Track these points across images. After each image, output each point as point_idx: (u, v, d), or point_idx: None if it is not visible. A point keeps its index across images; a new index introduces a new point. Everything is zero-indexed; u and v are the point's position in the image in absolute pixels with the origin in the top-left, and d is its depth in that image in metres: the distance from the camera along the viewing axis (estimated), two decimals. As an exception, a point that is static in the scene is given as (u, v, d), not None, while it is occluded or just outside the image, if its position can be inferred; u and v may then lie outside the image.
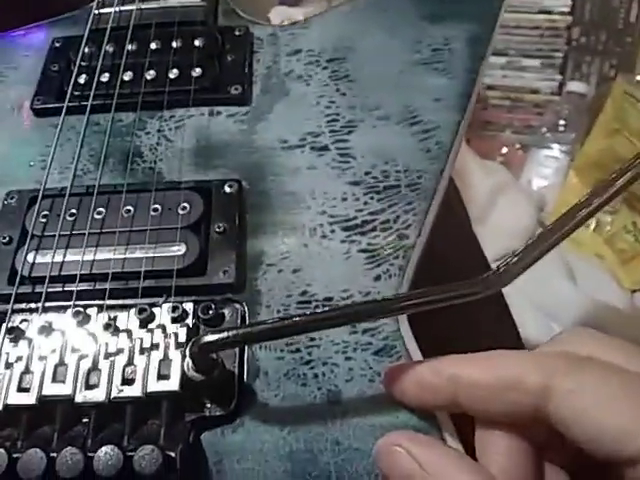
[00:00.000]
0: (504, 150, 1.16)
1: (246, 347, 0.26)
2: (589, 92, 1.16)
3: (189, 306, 0.27)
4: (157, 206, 0.30)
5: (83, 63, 0.35)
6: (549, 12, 1.16)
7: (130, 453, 0.23)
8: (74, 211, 0.30)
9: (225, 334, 0.23)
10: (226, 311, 0.27)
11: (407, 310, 0.24)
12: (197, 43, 0.35)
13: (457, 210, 0.44)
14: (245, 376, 0.26)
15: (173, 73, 0.34)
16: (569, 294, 0.77)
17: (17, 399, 0.24)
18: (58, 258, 0.28)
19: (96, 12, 0.37)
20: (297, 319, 0.23)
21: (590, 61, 1.18)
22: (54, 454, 0.23)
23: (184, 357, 0.25)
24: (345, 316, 0.24)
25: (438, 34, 0.36)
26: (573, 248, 0.84)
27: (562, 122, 1.17)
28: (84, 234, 0.29)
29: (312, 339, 0.27)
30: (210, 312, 0.27)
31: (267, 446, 0.25)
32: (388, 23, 0.37)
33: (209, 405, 0.25)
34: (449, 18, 0.36)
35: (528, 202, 0.95)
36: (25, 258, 0.28)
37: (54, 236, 0.29)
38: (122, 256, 0.28)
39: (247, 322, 0.27)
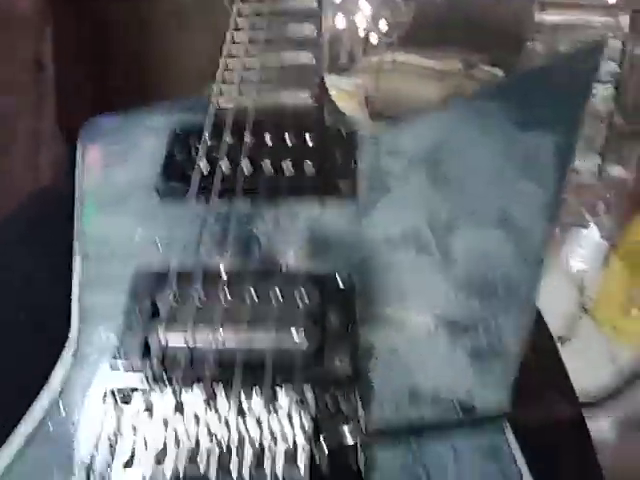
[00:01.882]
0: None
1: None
2: (629, 177, 1.19)
3: (310, 395, 0.29)
4: (277, 296, 0.32)
5: (205, 151, 0.38)
6: (591, 97, 1.20)
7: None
8: (201, 295, 0.32)
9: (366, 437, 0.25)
10: (341, 400, 0.29)
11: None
12: (308, 139, 0.38)
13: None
14: (362, 471, 0.28)
15: (287, 166, 0.37)
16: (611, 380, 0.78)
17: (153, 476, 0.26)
18: (188, 340, 0.30)
19: (214, 102, 0.40)
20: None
21: (631, 146, 1.21)
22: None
23: (313, 449, 0.27)
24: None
25: (527, 141, 0.39)
26: (617, 336, 0.85)
27: (602, 206, 1.19)
28: (212, 319, 0.31)
29: (425, 439, 0.29)
30: (329, 403, 0.29)
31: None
32: (482, 126, 0.40)
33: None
34: (536, 125, 0.39)
35: (569, 285, 0.97)
36: (158, 339, 0.31)
37: (184, 318, 0.31)
38: (247, 342, 0.30)
39: (361, 414, 0.29)
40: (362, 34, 1.53)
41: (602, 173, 1.23)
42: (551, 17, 1.33)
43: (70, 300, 0.34)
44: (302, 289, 0.32)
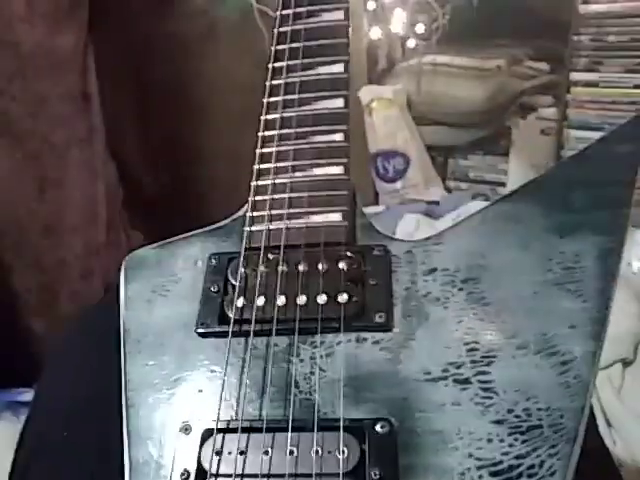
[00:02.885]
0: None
1: None
2: None
3: None
4: (318, 448, 0.33)
5: (240, 284, 0.39)
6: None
7: None
8: (243, 449, 0.33)
9: None
10: None
11: None
12: (341, 266, 0.38)
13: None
14: None
15: (322, 299, 0.37)
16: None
17: None
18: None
19: (247, 229, 0.41)
20: None
21: None
22: None
23: None
24: None
25: (568, 249, 0.37)
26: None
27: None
28: (255, 476, 0.32)
29: None
30: None
31: None
32: (518, 237, 0.38)
33: None
34: (578, 230, 0.38)
35: (632, 299, 0.94)
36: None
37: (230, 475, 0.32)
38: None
39: None
40: (399, 39, 1.50)
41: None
42: (596, 7, 1.26)
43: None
44: (341, 441, 0.32)
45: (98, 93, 1.18)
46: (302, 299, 0.37)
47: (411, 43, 1.48)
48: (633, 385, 0.86)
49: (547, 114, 1.39)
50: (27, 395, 0.90)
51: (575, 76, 1.31)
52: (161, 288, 0.40)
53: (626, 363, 0.89)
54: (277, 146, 0.43)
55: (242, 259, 0.39)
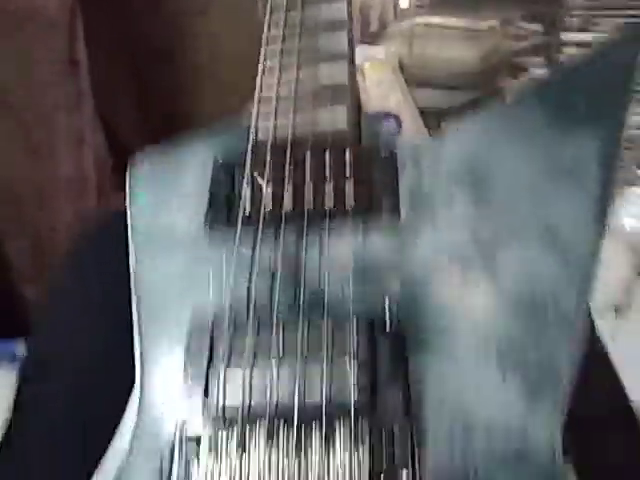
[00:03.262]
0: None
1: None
2: None
3: (366, 435, 0.30)
4: (329, 337, 0.33)
5: (248, 183, 0.39)
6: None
7: None
8: (256, 333, 0.33)
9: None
10: (397, 435, 0.30)
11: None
12: (348, 163, 0.39)
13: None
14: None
15: (329, 192, 0.38)
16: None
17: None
18: (247, 380, 0.32)
19: (252, 131, 0.41)
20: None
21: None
22: None
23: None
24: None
25: (569, 145, 0.38)
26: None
27: (653, 160, 1.15)
28: (267, 359, 0.33)
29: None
30: (383, 437, 0.30)
31: None
32: (521, 135, 0.39)
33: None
34: (578, 127, 0.38)
35: (623, 248, 0.95)
36: (217, 378, 0.32)
37: (239, 359, 0.33)
38: (302, 385, 0.32)
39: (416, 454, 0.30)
40: (392, 0, 1.49)
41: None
42: (590, -35, 1.26)
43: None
44: (352, 332, 0.33)
45: (88, 61, 1.17)
46: (310, 192, 0.38)
47: (404, 4, 1.47)
48: (626, 330, 0.88)
49: (539, 75, 1.39)
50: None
51: (568, 36, 1.32)
52: (167, 189, 0.41)
53: (617, 310, 0.91)
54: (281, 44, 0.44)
55: (249, 153, 0.39)
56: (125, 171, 0.42)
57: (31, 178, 1.09)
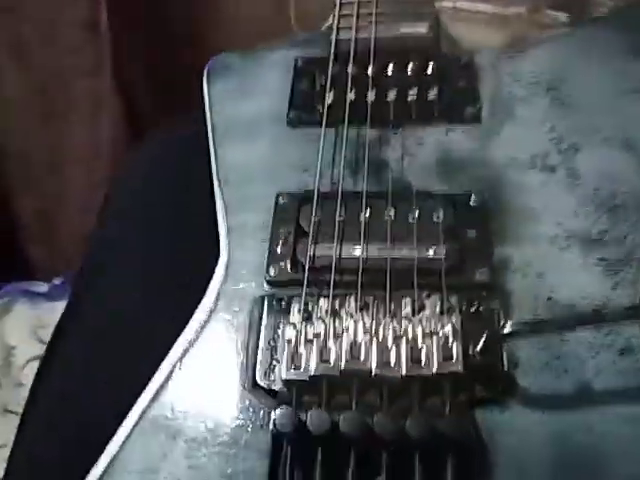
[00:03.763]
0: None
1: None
2: None
3: (454, 300, 0.31)
4: (415, 213, 0.34)
5: (330, 81, 0.40)
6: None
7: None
8: (343, 212, 0.34)
9: (522, 327, 0.27)
10: (483, 307, 0.31)
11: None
12: (430, 69, 0.40)
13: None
14: (507, 366, 0.30)
15: (412, 95, 0.39)
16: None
17: (320, 370, 0.29)
18: (337, 252, 0.33)
19: (335, 33, 0.42)
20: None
21: None
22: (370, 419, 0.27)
23: (467, 341, 0.29)
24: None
25: None
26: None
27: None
28: (356, 232, 0.33)
29: (562, 339, 0.31)
30: (473, 307, 0.31)
31: (531, 426, 0.28)
32: (597, 53, 0.41)
33: (479, 388, 0.29)
34: None
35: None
36: (307, 251, 0.33)
37: (329, 233, 0.34)
38: (392, 255, 0.33)
39: (501, 319, 0.31)
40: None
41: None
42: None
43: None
44: (438, 208, 0.34)
45: (110, 27, 1.16)
46: (392, 94, 0.39)
47: (434, -15, 1.48)
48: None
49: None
50: (42, 287, 0.91)
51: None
52: (247, 87, 0.41)
53: None
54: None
55: (332, 58, 0.40)
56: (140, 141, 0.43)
57: (44, 140, 1.08)
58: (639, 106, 0.38)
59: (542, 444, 0.28)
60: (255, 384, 0.30)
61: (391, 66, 0.40)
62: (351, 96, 0.39)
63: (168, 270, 0.40)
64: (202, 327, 0.33)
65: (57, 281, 0.89)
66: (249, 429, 0.29)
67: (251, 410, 0.30)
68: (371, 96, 0.39)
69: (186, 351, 0.32)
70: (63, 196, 1.13)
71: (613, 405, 0.29)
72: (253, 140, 0.39)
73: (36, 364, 0.75)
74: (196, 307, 0.34)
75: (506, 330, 0.27)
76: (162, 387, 0.31)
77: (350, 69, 0.40)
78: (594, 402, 0.29)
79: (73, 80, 1.10)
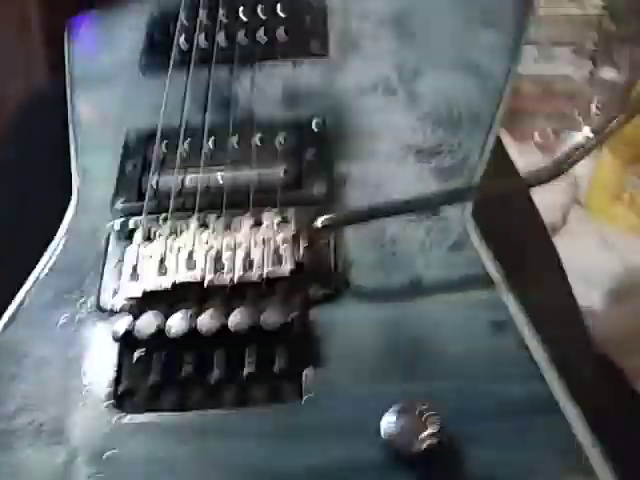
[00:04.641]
0: (536, 136, 1.21)
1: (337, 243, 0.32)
2: (620, 79, 1.19)
3: (290, 213, 0.32)
4: (257, 137, 0.35)
5: (182, 28, 0.41)
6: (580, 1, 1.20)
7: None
8: (188, 143, 0.35)
9: (334, 215, 0.28)
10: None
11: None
12: (278, 8, 0.41)
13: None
14: (341, 265, 0.31)
15: (260, 35, 0.40)
16: (605, 261, 0.82)
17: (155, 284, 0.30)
18: (179, 178, 0.34)
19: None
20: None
21: (620, 49, 1.21)
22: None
23: (297, 243, 0.30)
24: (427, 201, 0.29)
25: None
26: (608, 221, 0.88)
27: (594, 108, 1.21)
28: (200, 159, 0.35)
29: (394, 238, 0.32)
30: (308, 217, 0.32)
31: (364, 319, 0.30)
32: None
33: (313, 288, 0.30)
34: None
35: (563, 180, 1.00)
36: (151, 180, 0.34)
37: (175, 161, 0.35)
38: (234, 174, 0.34)
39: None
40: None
41: (594, 78, 1.23)
42: None
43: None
44: (280, 132, 0.35)
45: None
46: (242, 36, 0.40)
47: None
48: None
49: None
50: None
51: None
52: (105, 42, 0.43)
53: (556, 229, 0.95)
54: None
55: (183, 7, 0.41)
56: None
57: None
58: (480, 33, 0.40)
59: (373, 334, 0.29)
60: (99, 306, 0.31)
61: (241, 10, 0.41)
62: (202, 41, 0.40)
63: (20, 215, 0.40)
64: (51, 258, 0.33)
65: None
66: (97, 346, 0.30)
67: (99, 330, 0.31)
68: (220, 38, 0.40)
69: (36, 283, 0.33)
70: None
71: (441, 294, 0.30)
72: (108, 87, 0.40)
73: None
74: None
75: (320, 220, 0.28)
76: (13, 315, 0.32)
77: (201, 14, 0.41)
78: (425, 294, 0.31)
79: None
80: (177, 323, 0.28)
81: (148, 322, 0.28)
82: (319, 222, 0.28)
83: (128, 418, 0.28)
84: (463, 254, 0.31)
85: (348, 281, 0.31)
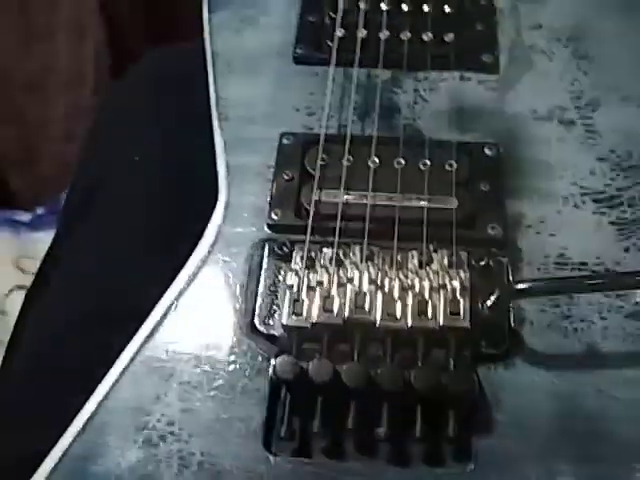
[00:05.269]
0: None
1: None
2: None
3: (464, 255, 0.30)
4: (427, 161, 0.32)
5: (341, 17, 0.37)
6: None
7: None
8: (351, 157, 0.33)
9: (535, 284, 0.26)
10: (493, 264, 0.30)
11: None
12: (447, 9, 0.37)
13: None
14: (513, 324, 0.29)
15: (427, 36, 0.37)
16: None
17: (322, 319, 0.28)
18: (342, 199, 0.31)
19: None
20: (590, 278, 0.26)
21: None
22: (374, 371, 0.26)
23: (476, 296, 0.28)
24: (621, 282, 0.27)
25: None
26: None
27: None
28: (363, 179, 0.32)
29: (571, 298, 0.30)
30: (482, 262, 0.30)
31: (536, 385, 0.28)
32: (623, 4, 0.39)
33: (485, 344, 0.28)
34: None
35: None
36: (312, 196, 0.32)
37: (335, 178, 0.32)
38: (402, 204, 0.31)
39: (510, 276, 0.30)
40: None
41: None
42: None
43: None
44: (451, 157, 0.32)
45: None
46: (407, 35, 0.37)
47: None
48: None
49: None
50: (25, 216, 0.88)
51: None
52: (251, 17, 0.39)
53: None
54: None
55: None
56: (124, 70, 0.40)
57: (26, 65, 1.04)
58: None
59: (545, 403, 0.27)
60: (254, 328, 0.29)
61: (406, 4, 0.37)
62: (362, 33, 0.37)
63: (160, 212, 0.38)
64: (199, 268, 0.31)
65: (40, 211, 0.86)
66: (246, 374, 0.28)
67: (249, 355, 0.29)
68: (384, 34, 0.37)
69: (182, 292, 0.31)
70: (45, 123, 1.09)
71: (619, 369, 0.28)
72: (256, 75, 0.37)
73: (17, 294, 0.73)
74: (191, 251, 0.32)
75: (519, 286, 0.26)
76: (157, 327, 0.30)
77: (362, 3, 0.37)
78: (601, 365, 0.29)
79: (57, 3, 1.05)
80: (353, 371, 0.26)
81: (322, 366, 0.26)
82: (520, 287, 0.26)
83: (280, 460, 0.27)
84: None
85: (521, 340, 0.29)
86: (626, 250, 0.31)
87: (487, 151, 0.33)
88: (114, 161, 0.41)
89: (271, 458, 0.27)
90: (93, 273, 0.37)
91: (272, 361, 0.27)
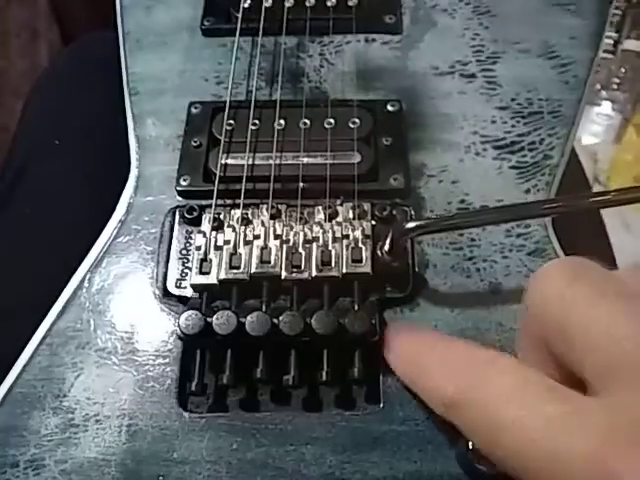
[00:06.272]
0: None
1: (414, 243, 0.30)
2: (645, 51, 1.17)
3: (367, 206, 0.31)
4: (331, 120, 0.33)
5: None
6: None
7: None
8: (257, 121, 0.33)
9: (425, 221, 0.27)
10: (396, 213, 0.31)
11: (556, 212, 0.28)
12: (349, -23, 0.38)
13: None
14: (417, 267, 0.30)
15: (331, 2, 0.37)
16: (625, 243, 0.82)
17: (229, 275, 0.29)
18: (249, 161, 0.32)
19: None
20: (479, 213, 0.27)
21: (647, 19, 1.18)
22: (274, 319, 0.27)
23: (377, 244, 0.29)
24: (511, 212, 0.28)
25: None
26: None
27: (616, 80, 1.18)
28: (269, 141, 0.33)
29: (472, 240, 0.31)
30: (385, 212, 0.31)
31: (440, 323, 0.29)
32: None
33: (390, 289, 0.29)
34: None
35: (583, 157, 0.98)
36: (219, 160, 0.32)
37: (242, 142, 0.33)
38: (307, 161, 0.32)
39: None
40: None
41: (617, 48, 1.20)
42: None
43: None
44: (354, 115, 0.33)
45: None
46: (311, 1, 0.37)
47: None
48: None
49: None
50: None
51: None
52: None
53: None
54: None
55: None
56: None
57: None
58: (560, 18, 0.37)
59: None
60: (167, 292, 0.30)
61: (310, -25, 0.38)
62: (268, 2, 0.37)
63: (80, 195, 0.38)
64: (113, 238, 0.32)
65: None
66: (160, 336, 0.29)
67: (163, 318, 0.30)
68: (289, 2, 0.37)
69: (96, 263, 0.31)
70: (8, 130, 1.09)
71: (519, 303, 0.29)
72: (166, 50, 0.37)
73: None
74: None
75: (409, 225, 0.27)
76: (71, 299, 0.30)
77: (268, -22, 0.38)
78: (504, 301, 0.30)
79: (7, 8, 1.05)
80: (256, 320, 0.27)
81: (227, 318, 0.27)
82: (410, 225, 0.27)
83: (195, 417, 0.27)
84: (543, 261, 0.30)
85: (425, 283, 0.30)
86: (527, 192, 0.32)
87: (389, 107, 0.34)
88: (35, 147, 0.42)
89: (185, 414, 0.27)
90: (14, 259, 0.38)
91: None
